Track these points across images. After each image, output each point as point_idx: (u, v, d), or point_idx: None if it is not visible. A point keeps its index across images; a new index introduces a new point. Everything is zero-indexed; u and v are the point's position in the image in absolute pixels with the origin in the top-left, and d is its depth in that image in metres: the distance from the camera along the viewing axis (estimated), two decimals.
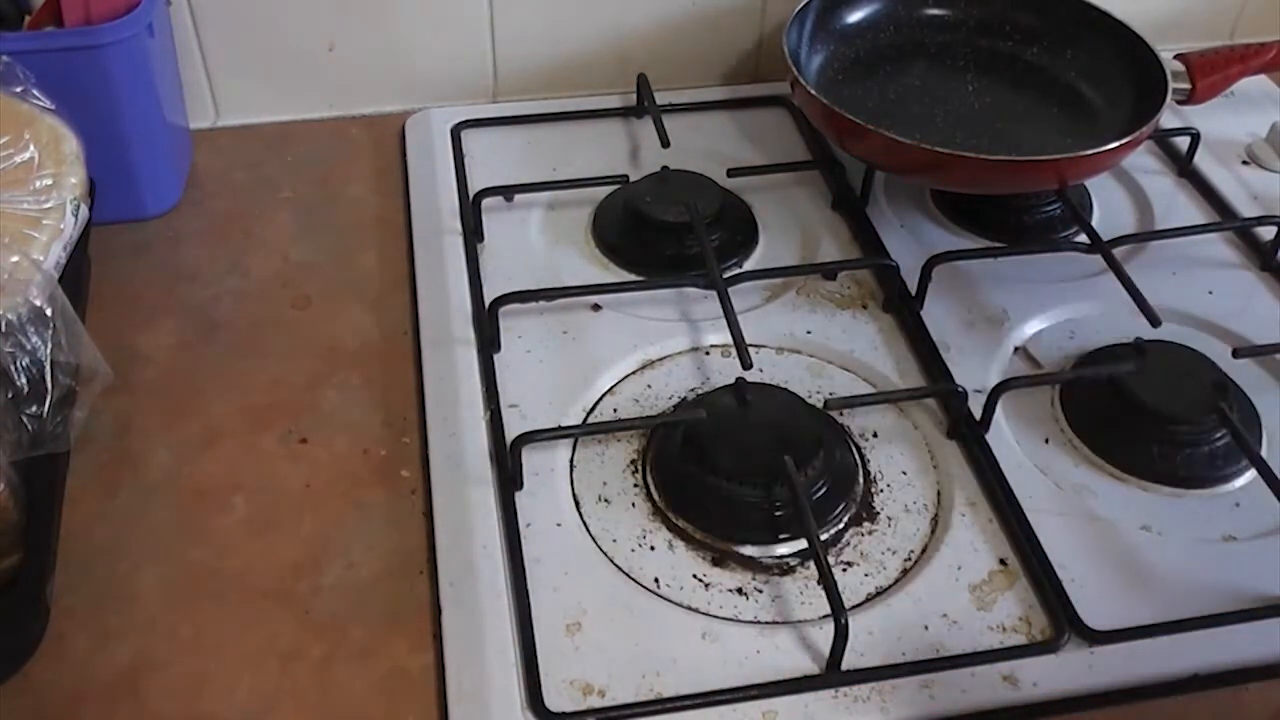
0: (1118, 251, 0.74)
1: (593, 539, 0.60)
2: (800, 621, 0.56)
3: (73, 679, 0.54)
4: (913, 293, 0.73)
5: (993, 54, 0.88)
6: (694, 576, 0.58)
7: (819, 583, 0.57)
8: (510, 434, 0.62)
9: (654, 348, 0.70)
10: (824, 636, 0.54)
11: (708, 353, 0.70)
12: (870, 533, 0.61)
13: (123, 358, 0.68)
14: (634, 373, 0.69)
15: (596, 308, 0.72)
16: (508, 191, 0.80)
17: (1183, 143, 0.86)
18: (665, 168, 0.80)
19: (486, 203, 0.78)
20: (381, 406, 0.67)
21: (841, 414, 0.66)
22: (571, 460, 0.64)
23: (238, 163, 0.85)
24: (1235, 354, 0.68)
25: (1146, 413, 0.64)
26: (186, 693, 0.54)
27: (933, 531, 0.61)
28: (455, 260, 0.75)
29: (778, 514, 0.59)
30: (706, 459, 0.60)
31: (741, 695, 0.53)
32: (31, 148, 0.63)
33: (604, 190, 0.80)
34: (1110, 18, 0.84)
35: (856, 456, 0.64)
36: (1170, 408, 0.64)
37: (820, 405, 0.65)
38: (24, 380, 0.56)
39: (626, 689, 0.53)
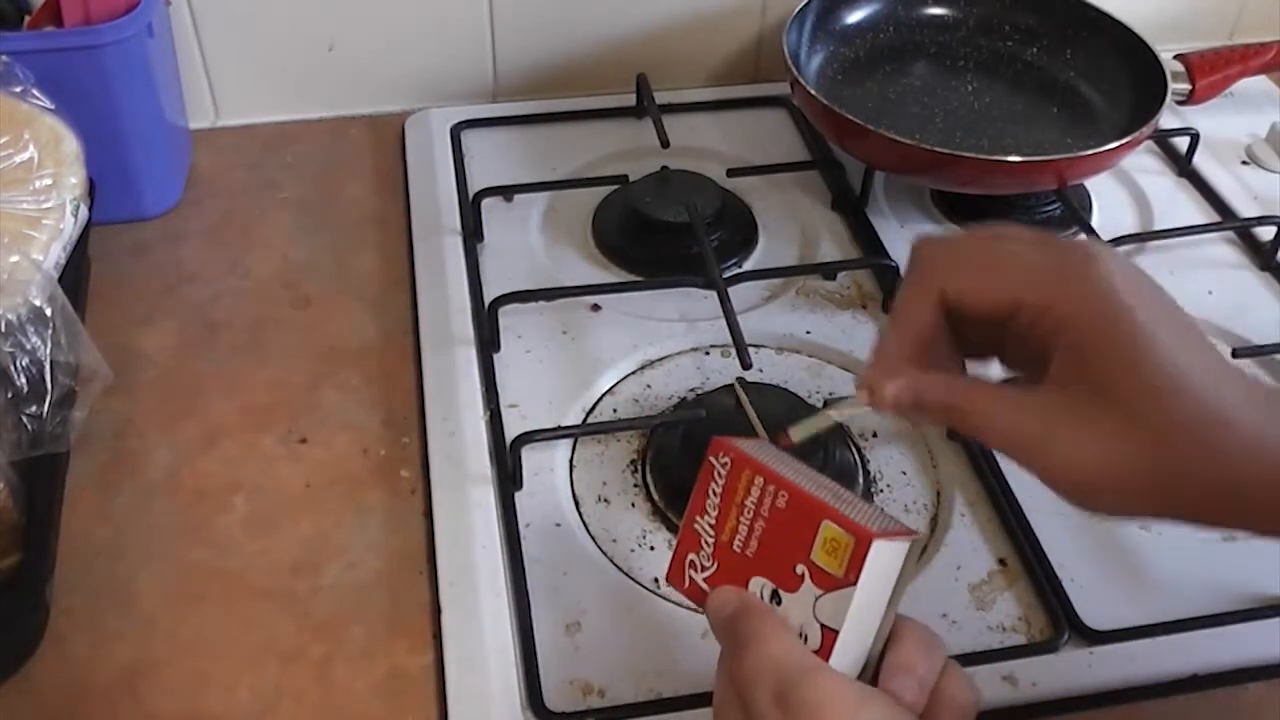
0: (1118, 251, 0.74)
1: (593, 539, 0.60)
2: None
3: (73, 679, 0.54)
4: None
5: (992, 54, 0.88)
6: None
7: None
8: (510, 434, 0.62)
9: (654, 348, 0.70)
10: None
11: (708, 353, 0.70)
12: None
13: (123, 358, 0.68)
14: (634, 373, 0.69)
15: (596, 308, 0.72)
16: (508, 191, 0.80)
17: (1182, 143, 0.86)
18: (665, 168, 0.80)
19: (486, 203, 0.78)
20: (381, 406, 0.67)
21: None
22: (571, 460, 0.64)
23: (238, 163, 0.85)
24: (1235, 354, 0.68)
25: None
26: (186, 693, 0.54)
27: (932, 531, 0.61)
28: (455, 260, 0.75)
29: None
30: None
31: None
32: (31, 148, 0.63)
33: (604, 190, 0.80)
34: (1110, 18, 0.84)
35: (856, 456, 0.64)
36: None
37: (820, 405, 0.65)
38: (24, 380, 0.56)
39: (626, 689, 0.53)
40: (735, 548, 0.45)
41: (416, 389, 0.67)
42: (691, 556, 0.46)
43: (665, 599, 0.57)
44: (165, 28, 0.79)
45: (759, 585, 0.44)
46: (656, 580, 0.58)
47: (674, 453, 0.62)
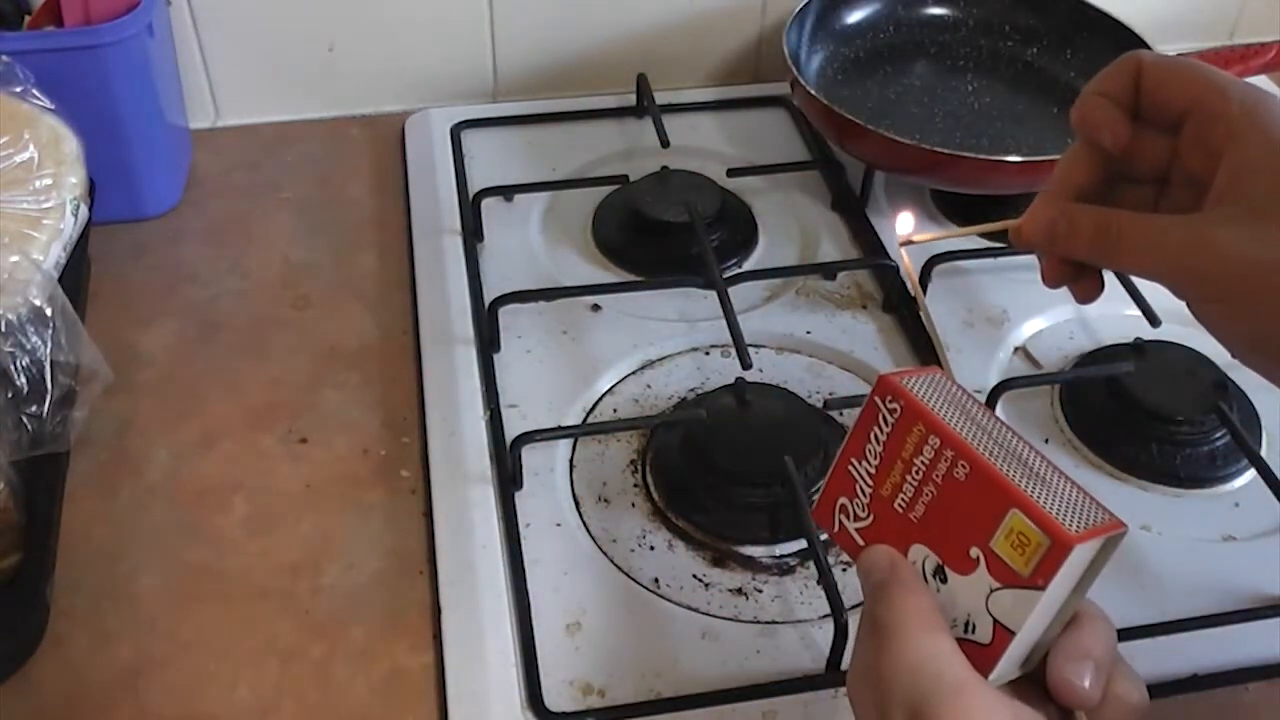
0: None
1: (593, 539, 0.60)
2: (800, 621, 0.56)
3: (73, 679, 0.54)
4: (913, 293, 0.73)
5: (993, 54, 0.88)
6: (694, 576, 0.58)
7: (819, 583, 0.57)
8: (510, 434, 0.62)
9: (654, 348, 0.70)
10: (824, 636, 0.54)
11: (708, 353, 0.70)
12: None
13: (123, 358, 0.68)
14: (634, 373, 0.69)
15: (596, 308, 0.72)
16: (508, 191, 0.80)
17: None
18: (665, 168, 0.80)
19: (486, 203, 0.78)
20: (381, 406, 0.67)
21: (841, 414, 0.66)
22: (571, 460, 0.64)
23: (238, 163, 0.85)
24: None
25: (1146, 413, 0.64)
26: (186, 693, 0.54)
27: None
28: (455, 260, 0.75)
29: (778, 514, 0.59)
30: (706, 459, 0.60)
31: (741, 695, 0.53)
32: (31, 148, 0.63)
33: (604, 190, 0.80)
34: (1110, 18, 0.84)
35: None
36: (1170, 408, 0.64)
37: (820, 405, 0.65)
38: (24, 380, 0.56)
39: (626, 689, 0.53)
40: (897, 506, 0.39)
41: (416, 389, 0.67)
42: (843, 501, 0.41)
43: (665, 599, 0.57)
44: (165, 28, 0.79)
45: (920, 555, 0.39)
46: (656, 580, 0.58)
47: (674, 453, 0.62)
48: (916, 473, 0.39)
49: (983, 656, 0.38)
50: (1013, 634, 0.37)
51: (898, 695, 0.37)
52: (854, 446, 0.41)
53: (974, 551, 0.37)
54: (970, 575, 0.37)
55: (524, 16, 0.88)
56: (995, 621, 0.37)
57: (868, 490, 0.41)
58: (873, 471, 0.40)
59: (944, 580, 0.38)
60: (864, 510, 0.41)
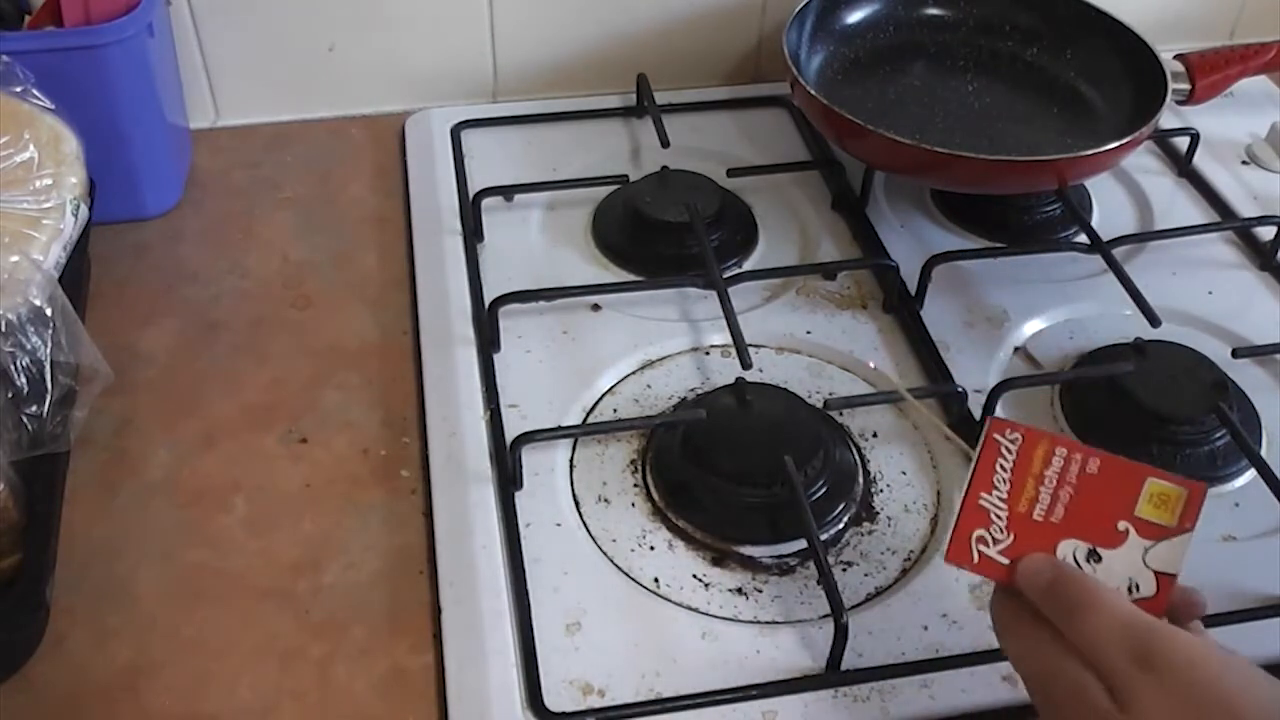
0: (1117, 251, 0.74)
1: (593, 539, 0.60)
2: (800, 621, 0.56)
3: (73, 679, 0.54)
4: (913, 293, 0.73)
5: (993, 54, 0.88)
6: (694, 576, 0.58)
7: (819, 583, 0.57)
8: (510, 434, 0.62)
9: (654, 348, 0.70)
10: (824, 636, 0.54)
11: (708, 353, 0.70)
12: (870, 533, 0.61)
13: (123, 358, 0.68)
14: (634, 373, 0.69)
15: (596, 308, 0.72)
16: (508, 191, 0.80)
17: (1182, 143, 0.86)
18: (665, 168, 0.80)
19: (486, 203, 0.78)
20: (381, 406, 0.67)
21: (841, 414, 0.66)
22: (571, 460, 0.64)
23: (238, 163, 0.85)
24: (1235, 354, 0.68)
25: (1146, 413, 0.64)
26: (186, 692, 0.54)
27: (932, 531, 0.61)
28: (455, 260, 0.75)
29: (778, 514, 0.59)
30: (706, 459, 0.60)
31: (741, 695, 0.53)
32: (31, 148, 0.63)
33: (604, 190, 0.80)
34: (1110, 18, 0.84)
35: (856, 456, 0.64)
36: (1170, 408, 0.64)
37: (820, 405, 0.65)
38: (24, 380, 0.56)
39: (626, 689, 0.53)
40: (1036, 517, 0.47)
41: (416, 389, 0.67)
42: (980, 533, 0.47)
43: (665, 599, 0.57)
44: (165, 28, 0.79)
45: (1069, 548, 0.46)
46: (656, 580, 0.58)
47: (674, 453, 0.62)
48: (1050, 482, 0.47)
49: (1151, 608, 0.45)
50: (1174, 577, 0.45)
51: (1116, 646, 0.42)
52: (981, 483, 0.48)
53: (1121, 525, 0.46)
54: (1122, 546, 0.45)
55: (524, 16, 0.88)
56: (1156, 573, 0.45)
57: (1003, 514, 0.47)
58: (1005, 497, 0.47)
59: (1098, 560, 0.46)
60: (1003, 533, 0.47)
